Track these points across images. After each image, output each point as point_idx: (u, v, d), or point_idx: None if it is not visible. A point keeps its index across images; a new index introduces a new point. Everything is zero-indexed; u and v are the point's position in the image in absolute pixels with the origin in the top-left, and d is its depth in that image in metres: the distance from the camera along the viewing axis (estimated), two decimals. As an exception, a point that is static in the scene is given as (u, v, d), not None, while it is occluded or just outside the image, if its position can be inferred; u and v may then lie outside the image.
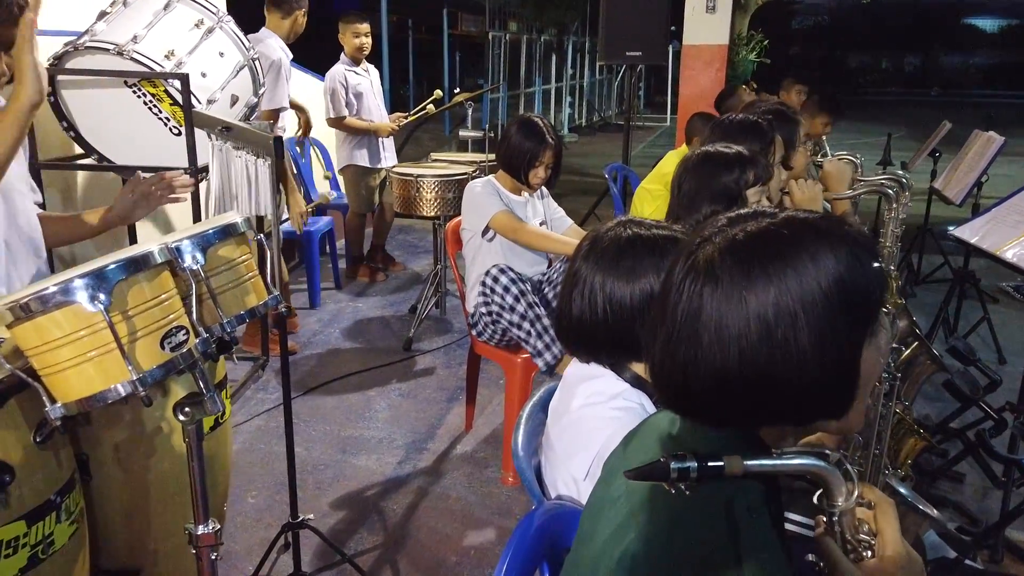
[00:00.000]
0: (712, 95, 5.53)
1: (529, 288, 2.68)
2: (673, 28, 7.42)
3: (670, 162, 4.57)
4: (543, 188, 2.98)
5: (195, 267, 1.26)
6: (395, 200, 4.07)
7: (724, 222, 0.87)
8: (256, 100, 3.15)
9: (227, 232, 1.35)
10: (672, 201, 1.95)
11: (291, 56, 3.88)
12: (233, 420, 3.21)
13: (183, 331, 1.17)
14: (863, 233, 0.86)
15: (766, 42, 9.76)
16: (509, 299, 2.65)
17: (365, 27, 4.73)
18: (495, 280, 2.68)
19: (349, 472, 2.84)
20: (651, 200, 4.59)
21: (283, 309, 1.53)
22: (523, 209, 2.88)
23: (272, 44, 3.79)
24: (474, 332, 2.90)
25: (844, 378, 0.83)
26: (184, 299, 1.22)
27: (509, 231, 2.75)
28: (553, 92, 14.20)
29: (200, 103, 2.82)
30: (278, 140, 1.61)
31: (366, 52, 4.75)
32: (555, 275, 2.93)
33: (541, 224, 2.94)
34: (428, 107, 4.80)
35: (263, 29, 3.85)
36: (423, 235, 6.31)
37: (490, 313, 2.74)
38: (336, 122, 4.70)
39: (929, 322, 4.12)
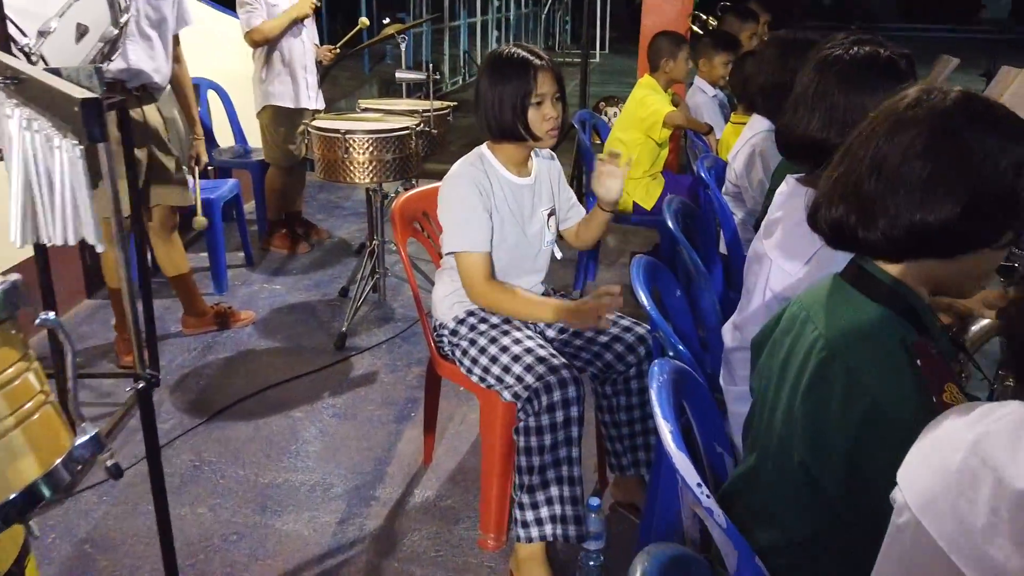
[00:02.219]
0: (679, 25, 4.80)
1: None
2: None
3: (643, 103, 3.85)
4: (555, 159, 2.21)
5: None
6: (317, 163, 3.20)
7: None
8: (116, 32, 2.27)
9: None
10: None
11: None
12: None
13: None
14: None
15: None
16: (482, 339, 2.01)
17: None
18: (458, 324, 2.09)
19: (272, 543, 2.10)
20: (627, 152, 3.88)
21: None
22: (527, 197, 2.06)
23: None
24: (438, 350, 2.18)
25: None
26: None
27: (471, 286, 1.99)
28: (479, 25, 13.17)
29: (27, 37, 1.96)
30: (90, 104, 0.80)
31: None
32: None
33: (550, 216, 2.14)
34: (356, 31, 3.94)
35: None
36: (349, 193, 5.44)
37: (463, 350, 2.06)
38: (254, 34, 3.70)
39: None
